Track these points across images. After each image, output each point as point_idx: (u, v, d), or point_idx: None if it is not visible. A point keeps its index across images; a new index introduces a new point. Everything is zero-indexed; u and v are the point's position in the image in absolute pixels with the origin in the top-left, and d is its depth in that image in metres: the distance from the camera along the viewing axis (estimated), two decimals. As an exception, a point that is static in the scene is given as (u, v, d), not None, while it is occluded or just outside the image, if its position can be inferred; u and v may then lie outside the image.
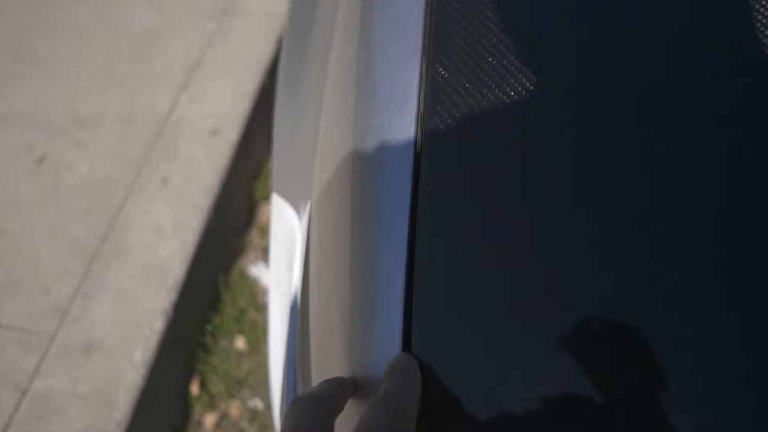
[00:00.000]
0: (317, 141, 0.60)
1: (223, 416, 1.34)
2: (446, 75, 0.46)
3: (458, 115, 0.44)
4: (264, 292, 1.50)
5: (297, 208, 0.72)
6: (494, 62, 0.45)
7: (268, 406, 1.35)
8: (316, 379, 0.51)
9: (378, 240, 0.42)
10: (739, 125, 0.41)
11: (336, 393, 0.37)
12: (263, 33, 1.77)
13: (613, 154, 0.41)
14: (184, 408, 1.33)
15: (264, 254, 1.55)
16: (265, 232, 1.58)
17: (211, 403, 1.35)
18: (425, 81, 0.46)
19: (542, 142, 0.42)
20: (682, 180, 0.40)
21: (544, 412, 0.37)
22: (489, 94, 0.44)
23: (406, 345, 0.39)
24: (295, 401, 0.35)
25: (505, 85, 0.44)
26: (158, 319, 1.24)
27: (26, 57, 1.74)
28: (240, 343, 1.41)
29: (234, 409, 1.34)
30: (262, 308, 1.47)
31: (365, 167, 0.46)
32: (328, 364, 0.47)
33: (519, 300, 0.38)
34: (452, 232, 0.40)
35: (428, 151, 0.43)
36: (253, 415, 1.34)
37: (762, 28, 0.44)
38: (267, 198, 1.63)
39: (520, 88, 0.44)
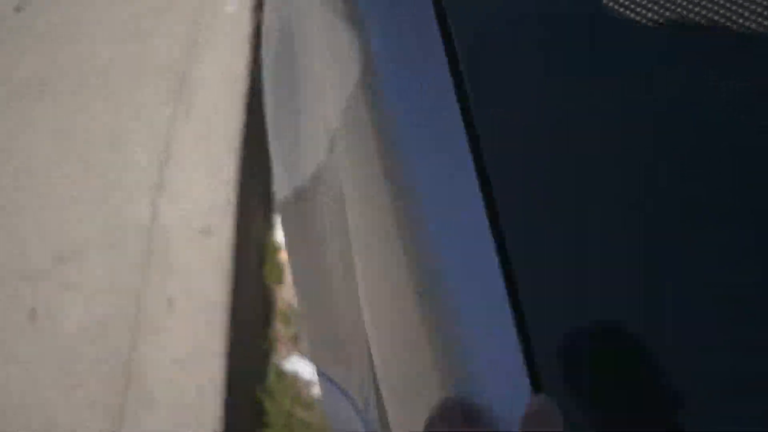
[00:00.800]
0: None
1: None
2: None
3: None
4: (307, 384, 1.37)
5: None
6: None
7: None
8: None
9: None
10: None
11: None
12: (227, 101, 1.62)
13: None
14: None
15: (294, 343, 1.43)
16: (287, 319, 1.45)
17: None
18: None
19: None
20: None
21: None
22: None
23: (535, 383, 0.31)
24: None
25: None
26: (207, 466, 1.12)
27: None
28: (297, 451, 1.29)
29: None
30: (309, 405, 1.35)
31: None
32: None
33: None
34: None
35: None
36: None
37: None
38: (280, 281, 1.49)
39: None
